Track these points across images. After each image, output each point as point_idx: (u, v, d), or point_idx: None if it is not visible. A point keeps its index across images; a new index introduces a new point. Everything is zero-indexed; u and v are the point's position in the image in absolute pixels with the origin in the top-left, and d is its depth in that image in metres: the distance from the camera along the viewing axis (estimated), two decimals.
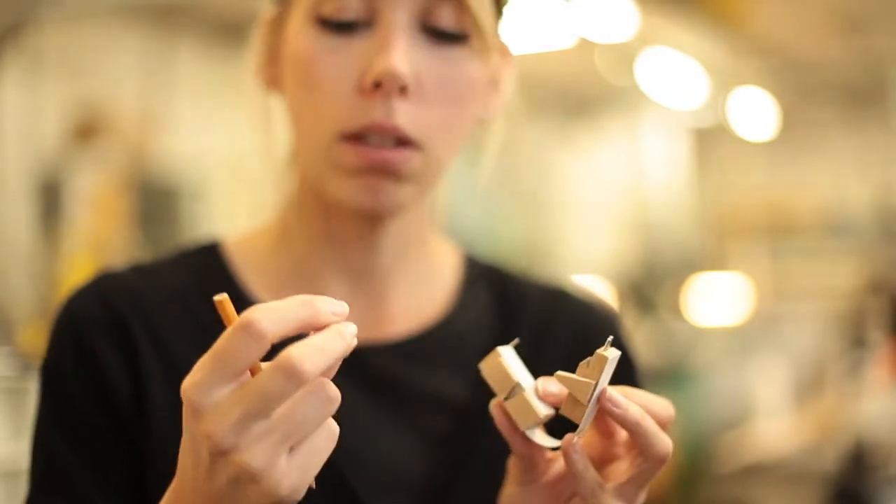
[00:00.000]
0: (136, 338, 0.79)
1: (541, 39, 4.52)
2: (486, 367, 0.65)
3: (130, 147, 4.35)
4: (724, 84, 5.97)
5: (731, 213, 7.21)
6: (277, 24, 0.81)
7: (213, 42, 4.88)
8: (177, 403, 0.77)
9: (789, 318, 5.88)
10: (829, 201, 6.98)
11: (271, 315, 0.54)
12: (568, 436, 0.63)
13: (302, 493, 0.57)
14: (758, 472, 4.22)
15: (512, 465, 0.69)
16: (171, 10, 4.67)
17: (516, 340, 0.66)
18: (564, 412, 0.64)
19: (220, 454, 0.55)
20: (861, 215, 6.60)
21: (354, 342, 0.57)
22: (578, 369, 0.64)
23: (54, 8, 3.98)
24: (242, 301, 0.82)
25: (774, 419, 4.95)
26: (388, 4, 0.74)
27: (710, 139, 7.23)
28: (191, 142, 4.78)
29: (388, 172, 0.75)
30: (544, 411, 0.65)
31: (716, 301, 5.85)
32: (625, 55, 5.13)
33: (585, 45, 4.72)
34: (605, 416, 0.65)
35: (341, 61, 0.75)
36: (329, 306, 0.57)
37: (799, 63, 6.03)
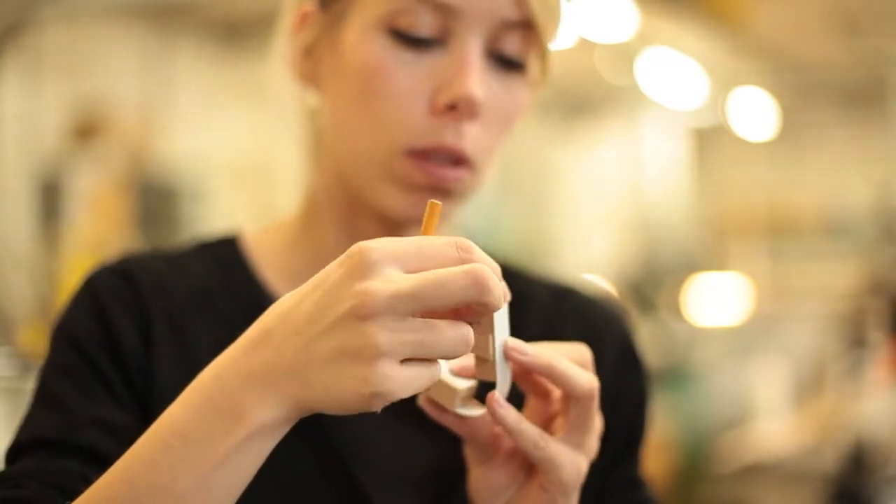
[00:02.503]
0: (153, 318, 0.79)
1: None
2: None
3: (130, 147, 4.34)
4: (724, 84, 5.97)
5: (731, 213, 7.21)
6: (327, 24, 0.80)
7: (213, 42, 4.88)
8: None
9: (789, 318, 5.88)
10: (829, 201, 6.98)
11: (483, 255, 0.57)
12: (490, 394, 0.63)
13: (383, 403, 0.55)
14: (758, 472, 4.22)
15: (466, 449, 0.70)
16: (171, 9, 4.67)
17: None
18: (480, 376, 0.64)
19: (358, 317, 0.54)
20: (861, 215, 6.60)
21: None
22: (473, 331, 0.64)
23: (54, 7, 3.98)
24: (260, 294, 0.83)
25: (774, 419, 4.95)
26: (464, 27, 0.75)
27: (710, 139, 7.23)
28: (191, 142, 4.79)
29: (444, 190, 0.77)
30: (464, 385, 0.65)
31: (716, 301, 5.84)
32: (625, 55, 5.13)
33: (585, 45, 4.72)
34: (533, 375, 0.65)
35: (413, 76, 0.76)
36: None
37: (799, 63, 6.03)
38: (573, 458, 0.65)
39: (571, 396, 0.64)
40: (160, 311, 0.80)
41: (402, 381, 0.55)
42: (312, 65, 0.82)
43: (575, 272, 5.82)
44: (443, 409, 0.66)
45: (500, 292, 0.57)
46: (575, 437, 0.65)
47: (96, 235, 3.97)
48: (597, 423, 0.67)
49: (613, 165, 7.00)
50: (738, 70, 5.84)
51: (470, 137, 0.76)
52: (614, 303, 0.92)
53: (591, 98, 6.73)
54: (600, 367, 0.82)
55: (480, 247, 0.58)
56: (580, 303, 0.89)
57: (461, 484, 0.77)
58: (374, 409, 0.55)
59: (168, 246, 0.88)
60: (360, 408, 0.55)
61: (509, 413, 0.63)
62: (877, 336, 4.31)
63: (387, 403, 0.55)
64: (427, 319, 0.56)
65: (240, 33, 4.64)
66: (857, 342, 4.62)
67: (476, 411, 0.66)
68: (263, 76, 0.87)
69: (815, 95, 6.72)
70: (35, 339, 3.22)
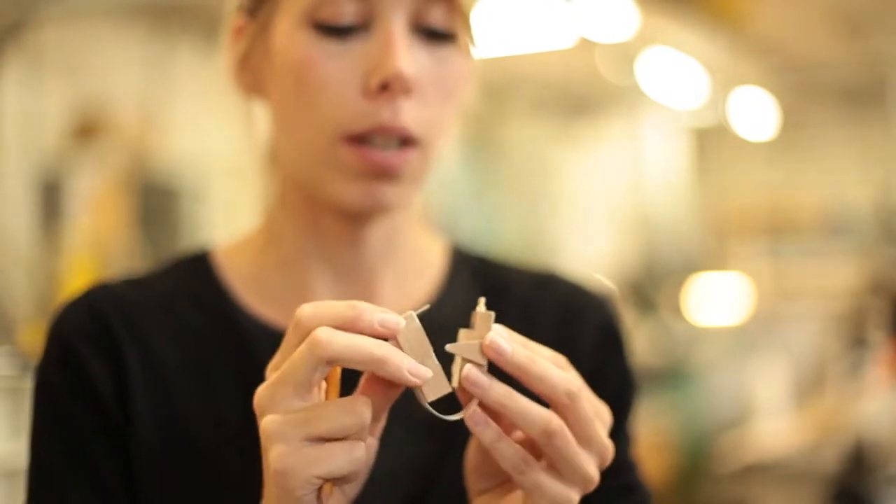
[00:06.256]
0: (122, 345, 0.79)
1: (541, 39, 4.52)
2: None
3: (130, 147, 4.35)
4: (724, 84, 5.98)
5: (731, 213, 7.21)
6: (256, 32, 0.81)
7: (213, 41, 4.88)
8: (159, 408, 0.79)
9: (789, 318, 5.88)
10: (829, 201, 6.99)
11: (315, 308, 0.60)
12: (470, 408, 0.61)
13: (302, 486, 0.58)
14: (758, 472, 4.22)
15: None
16: (171, 9, 4.67)
17: (426, 307, 0.62)
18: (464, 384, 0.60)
19: (257, 412, 0.61)
20: (861, 215, 6.60)
21: (391, 358, 0.58)
22: (462, 336, 0.60)
23: (54, 7, 3.98)
24: (229, 305, 0.83)
25: (774, 419, 4.95)
26: (384, 8, 0.76)
27: (711, 139, 7.23)
28: (191, 142, 4.79)
29: (389, 175, 0.77)
30: (451, 385, 0.61)
31: (716, 301, 5.84)
32: (625, 55, 5.13)
33: (585, 45, 4.72)
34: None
35: (342, 65, 0.76)
36: (376, 315, 0.59)
37: (799, 63, 6.04)
38: (561, 491, 0.61)
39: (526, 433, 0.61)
40: (129, 340, 0.80)
41: (301, 458, 0.58)
42: (251, 75, 0.83)
43: (575, 272, 5.81)
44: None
45: (336, 337, 0.58)
46: (560, 469, 0.61)
47: (97, 235, 3.97)
48: (584, 458, 0.62)
49: (614, 165, 7.00)
50: (739, 70, 5.84)
51: (408, 114, 0.76)
52: (598, 288, 0.91)
53: (592, 98, 6.73)
54: (578, 351, 0.81)
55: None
56: (561, 289, 0.89)
57: (439, 483, 0.77)
58: (290, 490, 0.58)
59: (140, 271, 0.88)
60: (280, 487, 0.59)
61: (488, 430, 0.61)
62: (877, 336, 4.31)
63: (300, 482, 0.58)
64: (312, 404, 0.59)
65: None
66: (857, 342, 4.62)
67: (452, 416, 0.62)
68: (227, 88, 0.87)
69: (815, 95, 6.73)
70: (35, 339, 3.22)
